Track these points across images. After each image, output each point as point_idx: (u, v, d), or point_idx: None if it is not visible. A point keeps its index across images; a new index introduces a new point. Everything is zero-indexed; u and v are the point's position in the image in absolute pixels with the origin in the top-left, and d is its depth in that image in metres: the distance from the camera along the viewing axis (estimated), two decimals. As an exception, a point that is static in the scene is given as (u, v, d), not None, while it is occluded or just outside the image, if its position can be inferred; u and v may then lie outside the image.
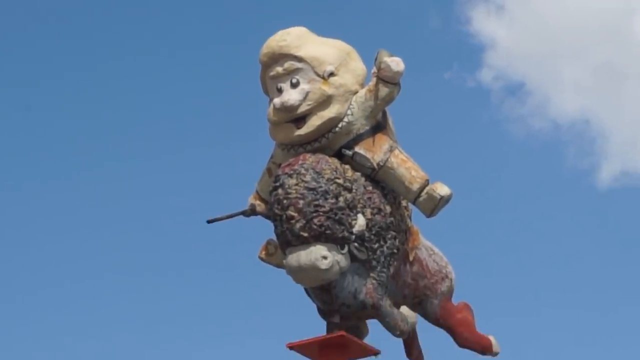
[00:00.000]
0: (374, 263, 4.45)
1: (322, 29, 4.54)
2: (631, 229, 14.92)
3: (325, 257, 4.09)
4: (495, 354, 5.10)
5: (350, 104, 4.47)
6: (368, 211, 4.39)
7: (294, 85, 4.42)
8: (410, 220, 4.84)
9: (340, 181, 4.30)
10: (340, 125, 4.44)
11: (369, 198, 4.48)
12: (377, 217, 4.45)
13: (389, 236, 4.55)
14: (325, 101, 4.38)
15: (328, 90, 4.38)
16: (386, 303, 4.56)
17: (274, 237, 4.52)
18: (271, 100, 4.51)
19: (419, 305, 5.00)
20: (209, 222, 4.89)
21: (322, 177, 4.27)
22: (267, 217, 4.63)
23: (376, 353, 4.64)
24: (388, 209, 4.56)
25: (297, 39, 4.46)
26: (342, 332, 4.39)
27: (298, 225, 4.16)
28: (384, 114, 4.64)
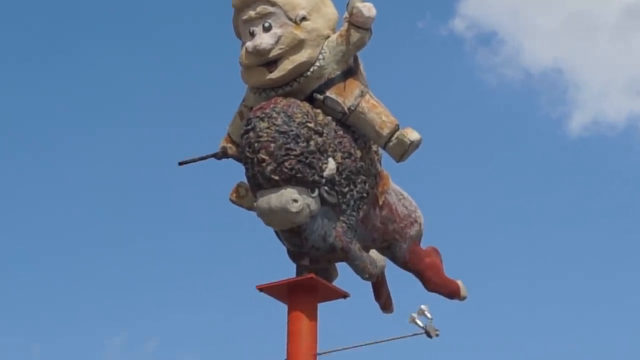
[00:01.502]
0: (344, 207, 4.56)
1: None
2: (600, 176, 15.93)
3: (295, 200, 4.19)
4: (463, 298, 5.25)
5: (322, 49, 4.54)
6: (339, 155, 4.49)
7: (267, 29, 4.51)
8: (380, 164, 4.96)
9: (312, 125, 4.38)
10: (311, 69, 4.52)
11: (340, 142, 4.57)
12: (348, 161, 4.55)
13: (359, 180, 4.68)
14: (297, 45, 4.45)
15: (300, 34, 4.46)
16: (355, 246, 4.70)
17: (245, 180, 4.62)
18: (243, 44, 4.59)
19: (387, 249, 5.11)
20: (180, 164, 5.01)
21: (294, 120, 4.36)
22: (238, 159, 4.73)
23: (345, 296, 4.77)
24: (358, 153, 4.67)
25: None
26: (312, 275, 4.53)
27: (269, 168, 4.25)
28: (355, 59, 4.76)
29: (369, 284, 5.19)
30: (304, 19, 4.52)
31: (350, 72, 4.73)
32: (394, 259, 5.20)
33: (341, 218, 4.60)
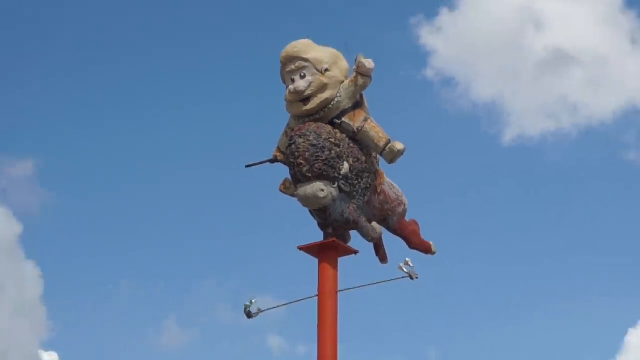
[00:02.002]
0: (354, 194, 5.93)
1: (319, 39, 6.16)
2: (523, 173, 23.66)
3: (322, 190, 5.56)
4: (434, 253, 6.80)
5: (339, 90, 5.94)
6: (351, 160, 5.85)
7: (302, 77, 5.88)
8: (378, 165, 6.35)
9: (332, 140, 5.76)
10: (332, 103, 5.91)
11: (351, 151, 5.92)
12: (357, 164, 5.92)
13: (365, 176, 6.06)
14: (322, 87, 5.86)
15: (324, 80, 5.86)
16: (362, 219, 6.08)
17: (289, 177, 6.03)
18: (287, 87, 6.06)
19: (384, 221, 6.53)
20: (247, 166, 6.46)
21: (321, 137, 5.72)
22: (284, 163, 6.12)
23: (356, 252, 6.29)
24: (364, 158, 6.05)
25: (304, 47, 6.00)
26: (334, 239, 5.95)
27: (304, 169, 5.62)
28: (362, 96, 6.12)
29: (371, 244, 6.67)
30: (327, 70, 5.92)
31: (358, 104, 6.13)
32: (388, 228, 6.63)
33: (352, 201, 5.95)
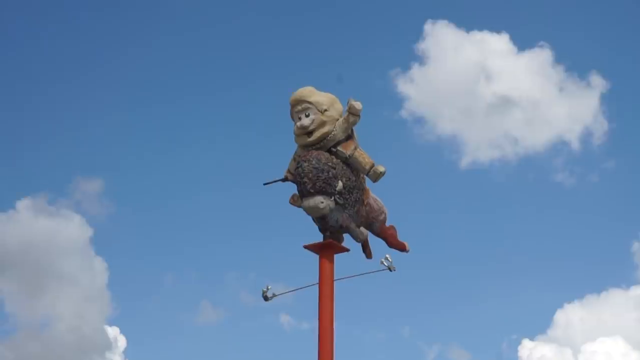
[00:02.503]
0: (347, 205, 6.80)
1: (319, 86, 7.19)
2: (476, 191, 29.53)
3: (322, 202, 6.48)
4: (408, 251, 7.82)
5: (335, 126, 6.83)
6: (344, 179, 6.69)
7: (307, 116, 6.82)
8: (365, 183, 7.17)
9: (330, 164, 6.61)
10: (329, 136, 6.80)
11: (344, 172, 6.75)
12: (348, 182, 6.78)
13: (354, 192, 6.91)
14: (322, 124, 6.78)
15: (324, 118, 6.79)
16: (352, 225, 6.96)
17: (297, 192, 6.84)
18: (295, 123, 6.94)
19: (369, 226, 7.36)
20: (265, 184, 7.43)
21: (321, 162, 6.59)
22: (293, 182, 6.90)
23: (347, 250, 7.13)
24: (354, 178, 6.90)
25: (309, 93, 6.89)
26: (331, 240, 6.89)
27: (309, 186, 6.53)
28: (352, 130, 7.00)
29: (359, 244, 7.52)
30: (325, 110, 6.80)
31: (349, 137, 6.97)
32: (372, 231, 7.46)
33: (345, 211, 6.81)
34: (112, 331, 26.92)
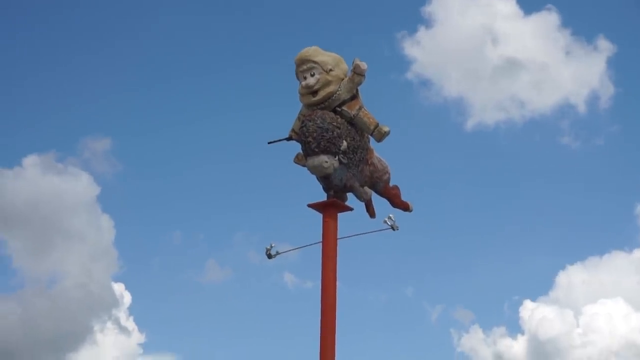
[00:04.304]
0: (351, 165, 6.88)
1: (325, 46, 7.26)
2: (482, 153, 29.50)
3: (326, 162, 6.61)
4: (411, 211, 7.98)
5: (340, 85, 6.91)
6: (348, 139, 6.82)
7: (312, 75, 6.92)
8: (369, 143, 7.34)
9: (335, 124, 6.76)
10: (334, 96, 6.88)
11: (349, 132, 6.88)
12: (353, 142, 6.89)
13: (359, 152, 7.02)
14: (327, 83, 6.87)
15: (329, 78, 6.88)
16: (356, 184, 7.09)
17: (301, 152, 7.01)
18: (300, 83, 7.04)
19: (372, 186, 7.49)
20: (269, 143, 7.58)
21: (325, 121, 6.74)
22: (297, 141, 7.08)
23: (351, 209, 7.29)
24: (358, 138, 7.02)
25: (314, 52, 7.00)
26: (334, 199, 7.03)
27: (313, 145, 6.66)
28: (357, 90, 7.06)
29: (363, 203, 7.68)
30: (330, 70, 6.91)
31: (354, 97, 7.07)
32: (376, 191, 7.61)
33: (349, 171, 6.89)
34: (118, 288, 28.01)
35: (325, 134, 6.76)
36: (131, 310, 28.58)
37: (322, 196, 7.29)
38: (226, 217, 31.06)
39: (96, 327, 26.66)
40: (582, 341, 26.80)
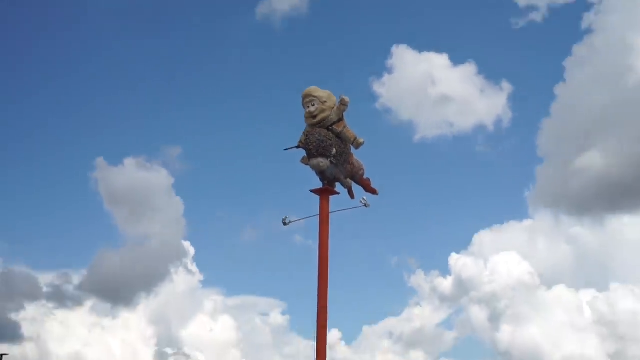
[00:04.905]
0: (338, 164, 10.35)
1: (322, 85, 10.73)
2: (425, 158, 44.28)
3: (322, 162, 10.10)
4: (377, 194, 11.46)
5: (331, 112, 10.31)
6: (336, 147, 10.20)
7: (312, 105, 10.33)
8: (350, 150, 10.77)
9: (327, 137, 10.13)
10: (327, 119, 10.28)
11: (337, 143, 10.29)
12: (339, 149, 10.26)
13: (343, 156, 10.45)
14: (322, 110, 10.27)
15: (324, 107, 10.29)
16: (342, 177, 10.64)
17: (306, 155, 10.39)
18: (305, 110, 10.46)
19: (352, 178, 10.98)
20: (285, 149, 10.83)
21: (322, 135, 10.14)
22: (303, 148, 10.40)
23: (338, 193, 10.85)
24: (343, 146, 10.45)
25: (314, 90, 10.40)
26: (327, 187, 10.64)
27: (313, 151, 10.11)
28: (342, 115, 10.50)
29: (346, 190, 11.14)
30: (325, 101, 10.22)
31: (340, 119, 10.39)
32: (355, 181, 11.03)
33: (337, 168, 10.23)
34: (186, 244, 47.37)
35: (321, 144, 10.16)
36: (194, 259, 47.38)
37: (319, 185, 10.79)
38: (256, 199, 53.20)
39: (172, 270, 45.83)
40: (489, 280, 45.29)
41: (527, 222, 52.33)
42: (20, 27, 55.50)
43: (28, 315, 45.78)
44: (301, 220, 11.32)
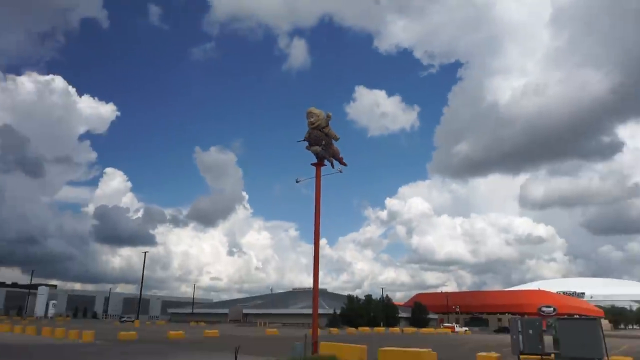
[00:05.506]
0: (326, 149, 21.17)
1: (317, 106, 20.87)
2: (377, 147, 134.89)
3: (317, 148, 20.90)
4: (346, 165, 21.61)
5: (322, 121, 21.09)
6: (325, 140, 21.59)
7: (312, 117, 20.81)
8: (333, 141, 21.28)
9: (320, 135, 20.88)
10: (320, 125, 20.92)
11: (325, 138, 21.32)
12: (327, 141, 21.47)
13: (329, 145, 21.17)
14: (317, 120, 21.03)
15: (318, 118, 20.83)
16: (328, 156, 21.21)
17: (309, 144, 20.98)
18: (308, 120, 20.78)
19: (333, 157, 21.91)
20: (297, 141, 20.96)
21: (317, 134, 20.89)
22: (307, 141, 21.12)
23: (325, 165, 21.15)
24: (329, 140, 21.57)
25: (313, 109, 21.62)
26: (320, 162, 21.41)
27: (312, 142, 21.31)
28: (328, 123, 21.11)
29: (329, 163, 21.43)
30: (318, 116, 20.84)
31: (327, 125, 21.01)
32: (335, 159, 21.44)
33: (326, 152, 21.18)
34: (245, 194, 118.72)
35: (317, 139, 20.60)
36: (248, 201, 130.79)
37: (314, 160, 21.11)
38: (281, 169, 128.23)
39: (236, 206, 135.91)
40: (407, 212, 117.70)
41: (427, 181, 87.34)
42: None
43: (159, 231, 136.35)
44: (306, 180, 21.38)
